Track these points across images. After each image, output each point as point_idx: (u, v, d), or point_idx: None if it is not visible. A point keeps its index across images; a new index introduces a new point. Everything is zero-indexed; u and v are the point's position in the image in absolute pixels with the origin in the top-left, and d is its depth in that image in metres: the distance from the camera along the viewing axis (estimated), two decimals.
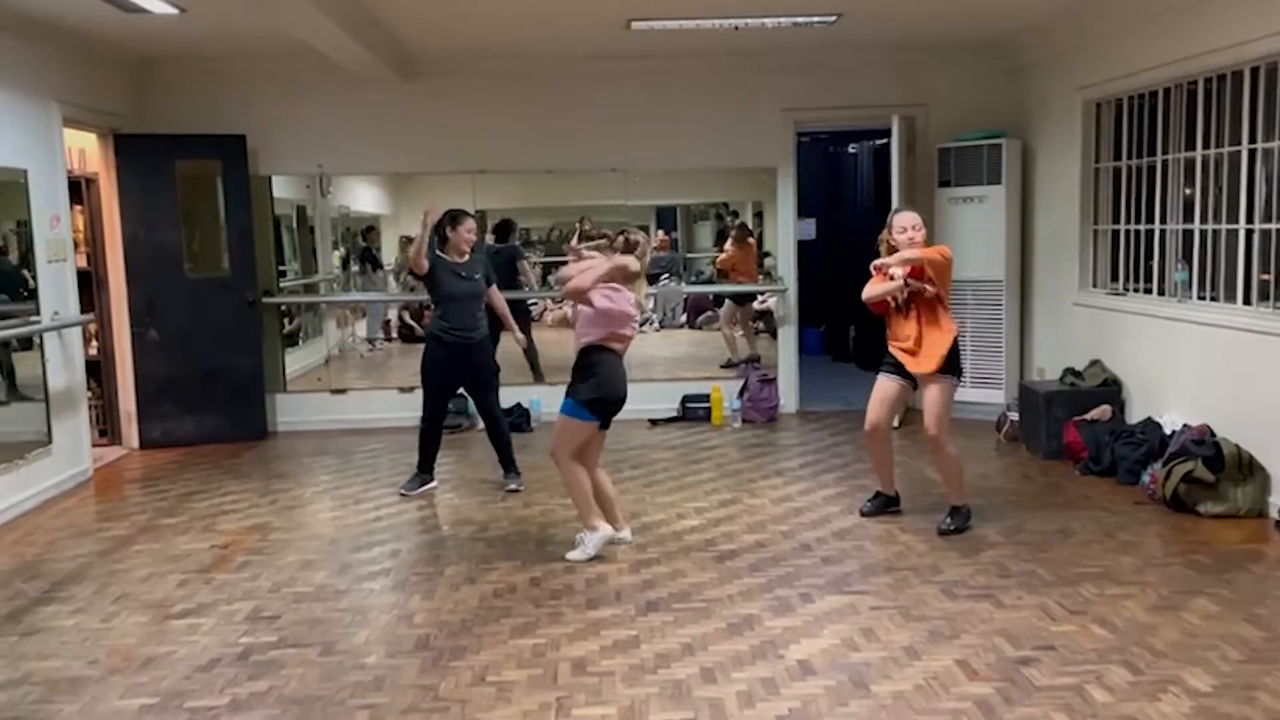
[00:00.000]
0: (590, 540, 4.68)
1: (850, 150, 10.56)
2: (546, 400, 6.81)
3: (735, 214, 10.25)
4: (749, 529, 5.13)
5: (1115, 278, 6.76)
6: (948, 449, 4.96)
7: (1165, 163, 6.11)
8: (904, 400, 5.31)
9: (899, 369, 5.02)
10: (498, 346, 6.27)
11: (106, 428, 7.34)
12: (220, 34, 6.70)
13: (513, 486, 5.90)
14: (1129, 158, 6.51)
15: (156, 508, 5.80)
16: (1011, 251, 7.50)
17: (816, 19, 6.49)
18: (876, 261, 4.97)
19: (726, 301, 9.47)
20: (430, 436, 5.95)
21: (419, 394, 7.78)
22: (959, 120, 7.64)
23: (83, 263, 6.95)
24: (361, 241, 9.36)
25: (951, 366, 4.93)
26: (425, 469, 5.97)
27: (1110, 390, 6.44)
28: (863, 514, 5.29)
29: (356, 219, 9.32)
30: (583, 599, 4.21)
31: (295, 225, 8.72)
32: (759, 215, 9.74)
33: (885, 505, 5.31)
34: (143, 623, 4.09)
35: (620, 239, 4.74)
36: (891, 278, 4.86)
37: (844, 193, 10.72)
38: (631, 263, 4.61)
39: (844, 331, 10.23)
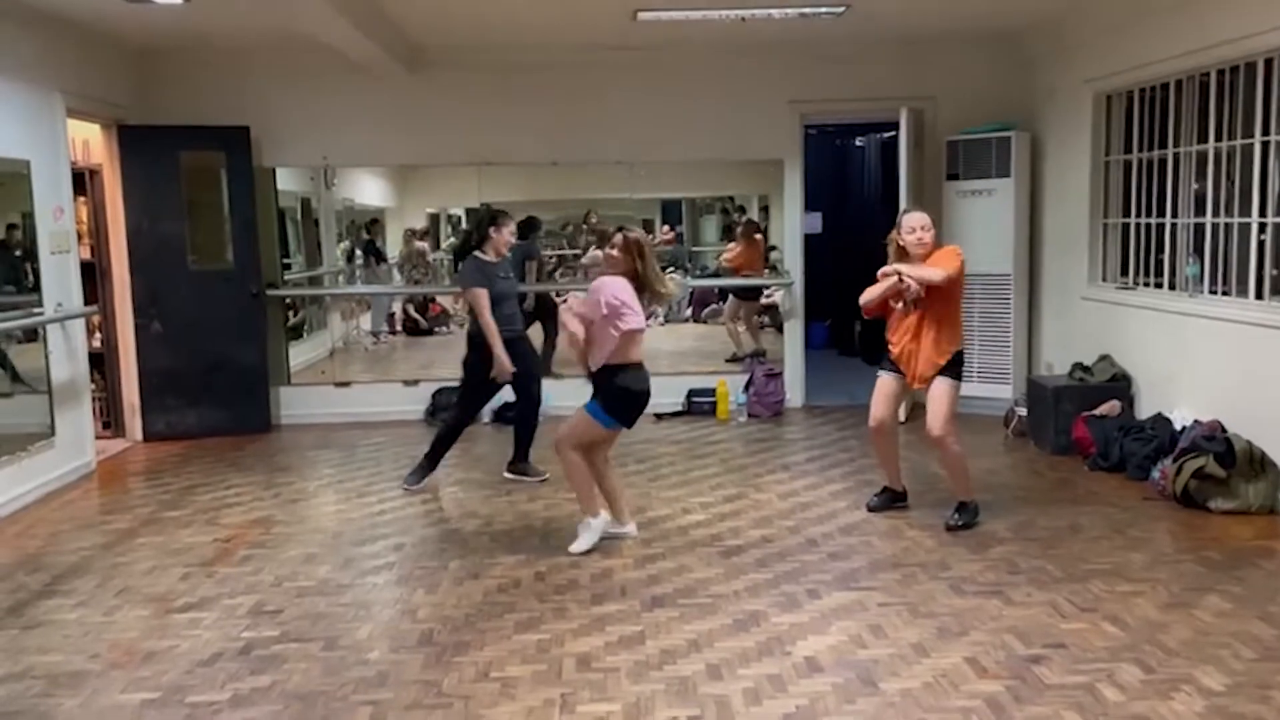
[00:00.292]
0: (592, 526, 4.66)
1: (857, 143, 10.50)
2: (556, 393, 6.76)
3: (742, 209, 10.20)
4: (755, 524, 5.09)
5: (1125, 272, 6.71)
6: (952, 449, 4.90)
7: (1176, 156, 6.05)
8: (906, 392, 5.27)
9: (895, 365, 4.99)
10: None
11: (110, 420, 7.31)
12: (225, 25, 6.66)
13: (538, 476, 5.92)
14: (1139, 150, 6.45)
15: (159, 501, 5.78)
16: (1020, 245, 7.44)
17: (824, 10, 6.44)
18: (885, 269, 4.88)
19: (730, 296, 9.44)
20: (455, 434, 5.90)
21: (423, 388, 7.85)
22: (968, 113, 7.58)
23: (86, 254, 6.92)
24: (366, 235, 9.34)
25: (953, 372, 4.88)
26: (434, 466, 5.92)
27: (1119, 385, 6.39)
28: (870, 509, 5.25)
29: (361, 212, 9.30)
30: (587, 594, 4.18)
31: (300, 218, 8.70)
32: (765, 209, 9.69)
33: (892, 501, 5.27)
34: (145, 616, 4.06)
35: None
36: (905, 287, 4.79)
37: (851, 186, 10.67)
38: (601, 256, 4.59)
39: (850, 326, 10.18)
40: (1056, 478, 5.86)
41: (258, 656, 3.65)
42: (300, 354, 8.37)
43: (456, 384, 6.03)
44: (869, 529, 4.99)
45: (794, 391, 8.10)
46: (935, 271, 4.72)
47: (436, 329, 9.64)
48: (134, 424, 7.34)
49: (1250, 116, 5.32)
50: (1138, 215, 6.51)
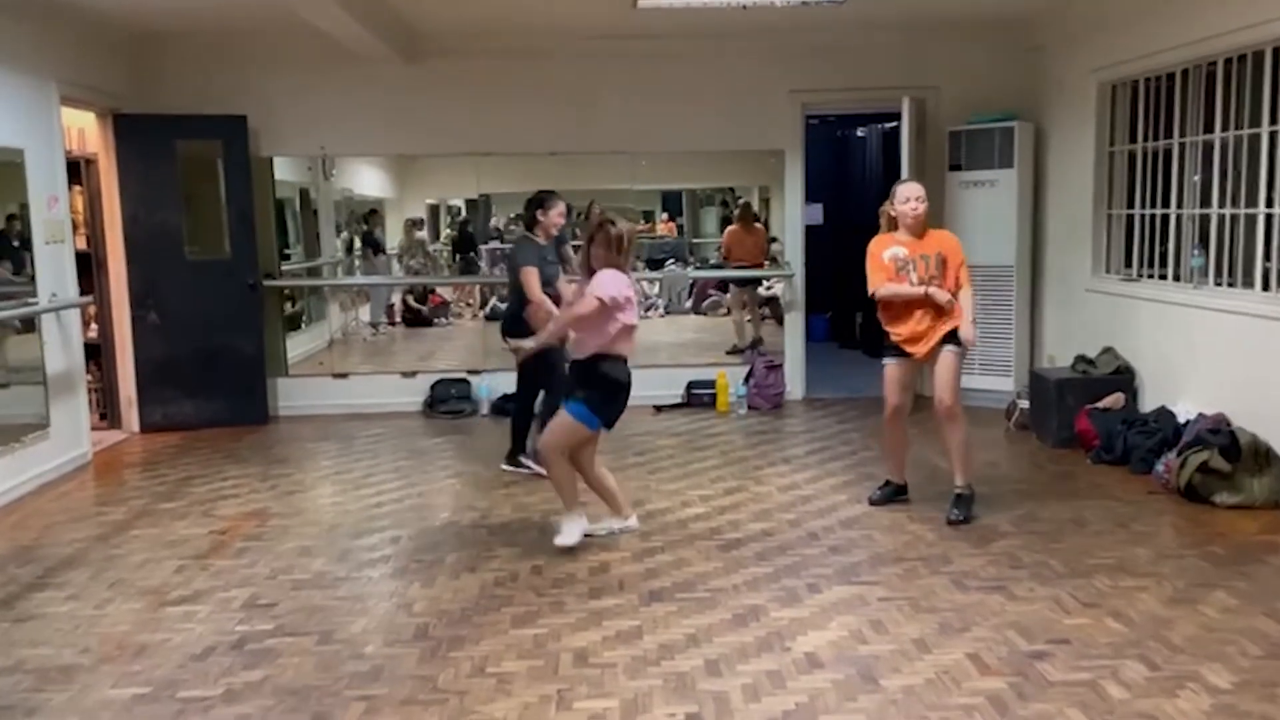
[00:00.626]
0: (573, 525, 4.61)
1: (859, 133, 10.43)
2: None
3: (739, 197, 10.15)
4: (755, 517, 5.05)
5: (1129, 263, 6.65)
6: (962, 420, 4.92)
7: (1182, 146, 5.99)
8: (917, 374, 5.28)
9: (901, 351, 4.96)
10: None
11: (106, 411, 7.27)
12: (221, 13, 6.61)
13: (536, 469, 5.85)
14: (1144, 140, 6.39)
15: (155, 492, 5.74)
16: (1023, 236, 7.38)
17: None
18: (913, 289, 4.87)
19: (732, 286, 9.39)
20: (526, 418, 5.90)
21: (422, 379, 7.80)
22: (970, 103, 7.51)
23: (82, 244, 6.87)
24: (364, 225, 9.29)
25: (955, 340, 4.88)
26: (521, 449, 5.93)
27: (1123, 378, 6.34)
28: (871, 503, 5.20)
29: (360, 203, 9.25)
30: (585, 588, 4.13)
31: (299, 208, 8.65)
32: (765, 201, 9.64)
33: (894, 494, 5.22)
34: (137, 609, 4.02)
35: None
36: (928, 294, 4.82)
37: (852, 177, 10.60)
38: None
39: (850, 318, 10.13)
40: (1059, 471, 5.81)
41: (251, 650, 3.61)
42: (299, 345, 8.33)
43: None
44: (870, 522, 4.94)
45: (794, 384, 8.05)
46: (964, 291, 4.89)
47: (436, 320, 9.60)
48: (130, 415, 7.30)
49: (1258, 106, 5.26)
50: (1142, 206, 6.45)
